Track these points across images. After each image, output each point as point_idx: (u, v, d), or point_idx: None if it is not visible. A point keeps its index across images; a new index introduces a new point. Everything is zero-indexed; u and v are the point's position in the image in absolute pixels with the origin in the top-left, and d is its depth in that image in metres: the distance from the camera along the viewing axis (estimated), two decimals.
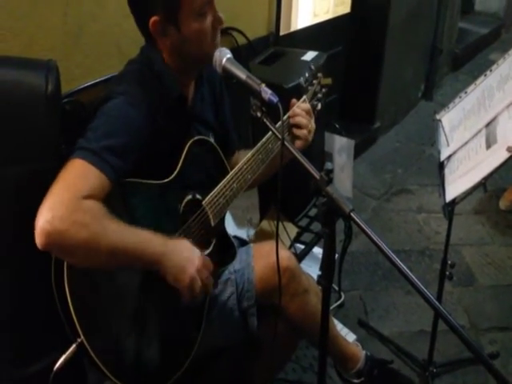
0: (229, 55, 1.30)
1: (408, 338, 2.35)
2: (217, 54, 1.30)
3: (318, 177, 1.11)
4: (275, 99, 1.20)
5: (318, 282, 1.22)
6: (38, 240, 1.04)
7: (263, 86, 1.22)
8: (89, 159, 1.12)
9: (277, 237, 1.25)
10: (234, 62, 1.29)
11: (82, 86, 1.58)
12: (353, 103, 3.29)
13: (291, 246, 1.98)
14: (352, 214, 1.06)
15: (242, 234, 1.91)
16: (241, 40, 2.13)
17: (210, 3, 1.29)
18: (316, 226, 2.17)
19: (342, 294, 2.48)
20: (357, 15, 3.06)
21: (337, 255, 2.33)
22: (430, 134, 3.91)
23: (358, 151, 3.34)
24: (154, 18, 1.27)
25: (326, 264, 1.18)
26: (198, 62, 1.36)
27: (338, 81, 2.96)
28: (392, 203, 3.23)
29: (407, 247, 2.86)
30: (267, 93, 1.21)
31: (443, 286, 2.06)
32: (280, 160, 1.18)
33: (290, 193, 1.69)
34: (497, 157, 1.49)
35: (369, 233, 1.07)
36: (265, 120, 1.22)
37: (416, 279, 1.08)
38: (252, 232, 1.94)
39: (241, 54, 2.02)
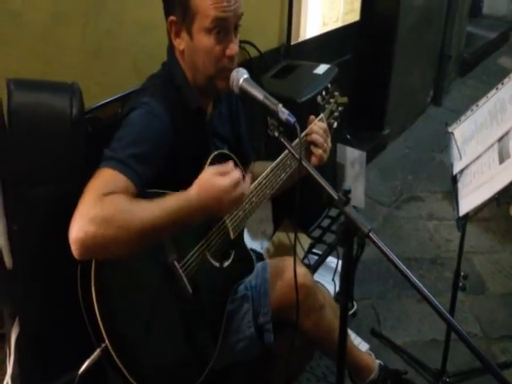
0: (246, 75, 1.32)
1: (420, 347, 2.36)
2: (234, 74, 1.33)
3: (336, 197, 1.13)
4: (292, 120, 1.22)
5: (336, 299, 1.24)
6: (75, 249, 1.06)
7: (280, 106, 1.24)
8: (116, 167, 1.16)
9: (294, 254, 1.27)
10: (251, 82, 1.32)
11: (101, 103, 1.61)
12: (362, 110, 3.29)
13: (305, 257, 1.99)
14: (371, 234, 1.08)
15: (257, 245, 1.93)
16: (252, 52, 2.15)
17: (225, 27, 1.32)
18: (329, 237, 2.18)
19: (355, 303, 2.49)
20: (366, 23, 3.07)
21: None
22: (440, 139, 3.92)
23: (368, 158, 3.33)
24: (171, 18, 1.34)
25: (344, 282, 1.19)
26: (208, 81, 1.39)
27: (347, 88, 2.97)
28: (402, 210, 3.23)
29: (418, 255, 2.86)
30: (284, 113, 1.23)
31: (456, 297, 2.07)
32: (298, 179, 1.20)
33: (303, 204, 1.71)
34: (510, 172, 1.50)
35: (386, 252, 1.08)
36: (282, 140, 1.24)
37: (428, 293, 1.09)
38: (266, 244, 1.96)
39: (253, 67, 2.04)
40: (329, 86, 1.68)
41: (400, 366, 2.17)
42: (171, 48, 1.41)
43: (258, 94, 1.28)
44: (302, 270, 1.49)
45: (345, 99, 1.71)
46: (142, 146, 1.22)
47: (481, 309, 2.54)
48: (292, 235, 2.01)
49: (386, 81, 3.25)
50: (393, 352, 2.30)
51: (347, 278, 1.18)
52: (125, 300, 1.21)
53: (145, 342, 1.24)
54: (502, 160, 1.56)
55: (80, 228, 1.05)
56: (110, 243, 1.08)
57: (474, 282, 2.71)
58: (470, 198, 1.60)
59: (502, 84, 1.74)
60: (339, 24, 2.92)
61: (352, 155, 1.99)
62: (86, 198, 1.10)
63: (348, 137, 2.12)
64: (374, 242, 1.08)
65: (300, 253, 2.00)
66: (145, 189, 1.22)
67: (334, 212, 2.29)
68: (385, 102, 3.32)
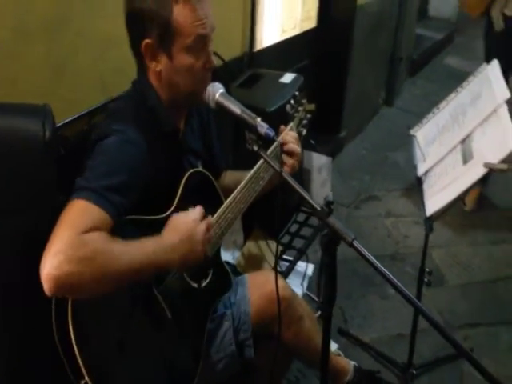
0: (222, 90, 1.32)
1: (387, 343, 2.43)
2: (209, 88, 1.33)
3: (318, 208, 1.15)
4: (271, 133, 1.23)
5: (319, 308, 1.27)
6: (48, 286, 1.03)
7: (258, 120, 1.25)
8: (90, 199, 1.12)
9: (276, 269, 1.28)
10: (227, 96, 1.32)
11: (66, 121, 1.56)
12: (320, 114, 3.34)
13: (276, 263, 2.01)
14: (354, 243, 1.11)
15: (228, 256, 1.93)
16: (217, 62, 2.15)
17: (204, 43, 1.31)
18: (297, 242, 2.21)
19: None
20: (322, 29, 3.13)
21: (313, 266, 2.39)
22: (393, 139, 4.05)
23: None
24: (146, 41, 1.29)
25: (328, 292, 1.22)
26: (187, 98, 1.38)
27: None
28: (361, 210, 3.32)
29: (379, 253, 2.94)
30: (263, 127, 1.24)
31: (421, 292, 2.15)
32: (278, 193, 1.22)
33: (270, 211, 1.73)
34: (474, 172, 1.58)
35: (371, 260, 1.12)
36: (262, 154, 1.25)
37: (410, 295, 1.13)
38: (237, 254, 1.97)
39: (218, 77, 2.04)
40: (296, 93, 1.70)
41: (368, 362, 2.24)
42: (142, 71, 1.37)
43: (235, 108, 1.28)
44: (281, 283, 1.48)
45: (312, 106, 1.74)
46: (117, 176, 1.18)
47: (441, 301, 2.64)
48: (262, 244, 2.02)
49: (342, 85, 3.33)
50: (361, 349, 2.36)
51: (332, 286, 1.21)
52: (103, 332, 1.19)
53: (126, 374, 1.22)
54: (465, 161, 1.64)
55: (56, 265, 1.02)
56: (86, 283, 1.06)
57: (434, 275, 2.77)
58: (436, 199, 1.67)
59: (462, 87, 1.82)
60: (297, 31, 2.97)
61: (318, 161, 2.03)
62: (62, 233, 1.06)
63: (312, 142, 2.15)
64: (357, 251, 1.12)
65: (271, 260, 2.02)
66: (122, 217, 1.20)
67: (301, 217, 2.33)
68: (341, 105, 3.40)
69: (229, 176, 1.70)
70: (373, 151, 3.89)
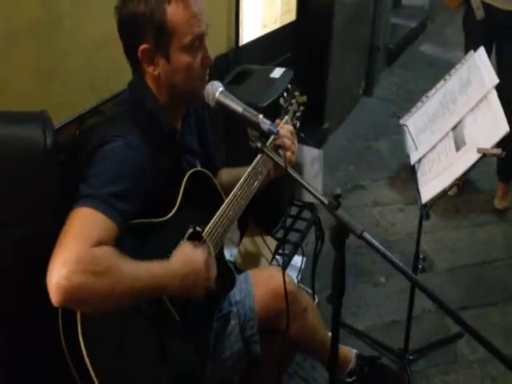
0: (221, 88, 1.32)
1: (381, 330, 2.47)
2: (208, 87, 1.32)
3: (326, 202, 1.16)
4: (275, 129, 1.24)
5: (328, 301, 1.28)
6: (56, 297, 1.02)
7: (261, 117, 1.25)
8: (96, 207, 1.10)
9: (284, 265, 1.29)
10: (228, 94, 1.32)
11: (58, 126, 1.53)
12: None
13: (273, 259, 2.02)
14: (364, 235, 1.13)
15: (226, 254, 1.93)
16: None
17: (200, 40, 1.30)
18: (292, 236, 2.22)
19: (316, 296, 2.56)
20: (302, 22, 3.14)
21: (305, 259, 2.41)
22: (375, 129, 4.10)
23: None
24: (143, 46, 1.28)
25: (336, 283, 1.24)
26: (186, 97, 1.37)
27: None
28: (348, 200, 3.34)
29: None
30: (266, 124, 1.24)
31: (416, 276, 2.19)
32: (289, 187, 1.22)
33: (264, 205, 1.74)
34: (467, 158, 1.61)
35: (382, 250, 1.13)
36: (266, 151, 1.25)
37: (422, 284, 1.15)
38: (235, 251, 1.97)
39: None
40: (289, 86, 1.70)
41: (364, 350, 2.26)
42: (139, 75, 1.35)
43: (237, 106, 1.28)
44: (286, 278, 1.51)
45: (304, 98, 1.75)
46: (122, 182, 1.17)
47: (431, 285, 2.67)
48: (258, 240, 2.03)
49: (323, 77, 3.34)
50: (356, 338, 2.39)
51: (340, 278, 1.22)
52: (111, 336, 1.18)
53: (135, 377, 1.21)
54: (458, 147, 1.67)
55: (65, 276, 1.01)
56: (94, 297, 1.05)
57: (423, 261, 2.87)
58: (431, 186, 1.70)
59: (449, 75, 1.85)
60: (278, 25, 2.97)
61: (310, 154, 2.04)
62: (71, 243, 1.04)
63: (302, 135, 2.16)
64: (367, 243, 1.13)
65: (268, 255, 2.03)
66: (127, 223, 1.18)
67: (294, 211, 2.34)
68: (323, 97, 3.41)
69: (224, 173, 1.70)
70: (355, 141, 3.92)
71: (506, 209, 3.26)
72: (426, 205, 1.71)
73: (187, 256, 1.24)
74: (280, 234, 2.21)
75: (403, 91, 4.64)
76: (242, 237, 2.02)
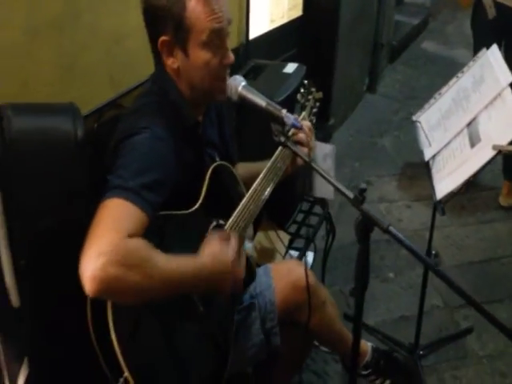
0: (243, 83, 1.32)
1: (391, 325, 2.48)
2: (231, 81, 1.32)
3: (351, 196, 1.17)
4: (299, 124, 1.24)
5: (351, 294, 1.29)
6: (91, 287, 1.02)
7: (284, 111, 1.26)
8: (128, 198, 1.11)
9: (302, 258, 1.29)
10: (250, 88, 1.32)
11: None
12: None
13: (286, 253, 2.03)
14: (390, 229, 1.13)
15: None
16: None
17: (220, 38, 1.30)
18: (303, 231, 2.23)
19: None
20: (308, 17, 3.14)
21: (313, 253, 2.42)
22: (378, 125, 4.11)
23: None
24: (163, 38, 1.29)
25: (360, 276, 1.25)
26: (205, 95, 1.37)
27: None
28: None
29: (376, 237, 2.91)
30: (290, 118, 1.24)
31: (428, 274, 2.20)
32: (309, 183, 1.23)
33: (278, 201, 1.74)
34: (483, 155, 1.62)
35: (407, 244, 1.14)
36: (289, 145, 1.26)
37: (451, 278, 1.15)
38: (249, 245, 1.97)
39: None
40: (305, 82, 1.71)
41: (375, 345, 2.28)
42: (160, 66, 1.35)
43: (260, 100, 1.28)
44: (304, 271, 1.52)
45: (320, 94, 1.75)
46: (151, 173, 1.18)
47: (439, 282, 2.67)
48: (272, 234, 2.04)
49: (329, 73, 3.34)
50: (367, 333, 2.41)
51: (364, 271, 1.23)
52: (139, 326, 1.19)
53: (163, 367, 1.22)
54: (472, 144, 1.68)
55: (100, 267, 1.01)
56: (129, 289, 1.06)
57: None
58: (446, 182, 1.71)
59: (462, 72, 1.86)
60: (285, 20, 2.97)
61: (322, 149, 2.04)
62: (105, 234, 1.05)
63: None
64: (393, 237, 1.14)
65: (282, 250, 2.03)
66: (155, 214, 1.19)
67: (306, 206, 2.35)
68: (329, 93, 3.41)
69: (241, 168, 1.71)
70: (360, 138, 3.93)
71: (511, 206, 3.28)
72: (440, 201, 1.72)
73: (216, 251, 1.24)
74: (292, 229, 2.22)
75: (406, 88, 4.65)
76: (255, 231, 2.03)
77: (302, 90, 1.65)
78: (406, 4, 5.61)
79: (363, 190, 1.16)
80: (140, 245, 1.08)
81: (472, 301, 1.12)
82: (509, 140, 1.58)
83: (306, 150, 1.54)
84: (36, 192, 1.07)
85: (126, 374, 1.11)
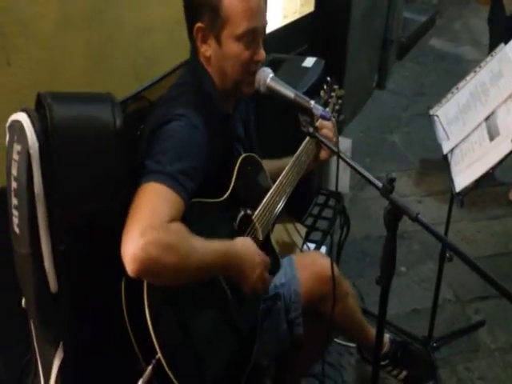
0: (272, 74, 1.34)
1: (404, 318, 2.51)
2: (260, 73, 1.35)
3: (380, 186, 1.19)
4: (328, 115, 1.27)
5: (377, 282, 1.31)
6: (132, 267, 1.05)
7: (312, 102, 1.28)
8: (166, 183, 1.14)
9: (330, 251, 1.32)
10: (279, 80, 1.34)
11: None
12: None
13: (303, 245, 2.05)
14: (418, 217, 1.16)
15: None
16: None
17: (254, 36, 1.33)
18: (321, 224, 2.26)
19: None
20: (320, 13, 3.16)
21: (325, 247, 2.44)
22: (388, 122, 4.13)
23: None
24: (198, 24, 1.32)
25: (386, 265, 1.27)
26: (234, 86, 1.40)
27: None
28: (366, 191, 3.38)
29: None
30: (319, 109, 1.27)
31: (443, 267, 2.23)
32: (336, 177, 1.26)
33: (294, 194, 1.77)
34: (502, 148, 1.64)
35: (435, 232, 1.17)
36: (318, 135, 1.28)
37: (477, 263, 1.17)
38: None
39: None
40: (328, 79, 1.73)
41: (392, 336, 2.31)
42: (195, 54, 1.39)
43: (289, 92, 1.31)
44: (328, 263, 1.53)
45: (342, 92, 1.78)
46: (187, 160, 1.21)
47: (451, 276, 2.71)
48: (290, 227, 2.06)
49: (341, 69, 3.36)
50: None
51: (391, 259, 1.25)
52: (172, 309, 1.22)
53: (193, 350, 1.25)
54: (491, 137, 1.70)
55: (142, 247, 1.04)
56: (168, 270, 1.09)
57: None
58: (466, 174, 1.73)
59: (480, 67, 1.88)
60: (297, 16, 2.99)
61: (341, 144, 2.06)
62: (146, 216, 1.08)
63: None
64: (422, 225, 1.16)
65: (299, 242, 2.06)
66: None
67: (321, 199, 2.37)
68: (341, 88, 3.43)
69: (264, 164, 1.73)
70: (370, 134, 3.95)
71: None
72: (459, 193, 1.74)
73: (250, 246, 1.29)
74: (307, 222, 2.24)
75: (415, 85, 4.67)
76: (274, 224, 2.05)
77: (324, 87, 1.67)
78: (413, 1, 5.64)
79: (392, 180, 1.18)
80: (179, 228, 1.12)
81: (498, 285, 1.13)
82: None
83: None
84: (77, 179, 1.09)
85: (159, 354, 1.13)
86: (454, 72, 4.59)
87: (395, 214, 1.19)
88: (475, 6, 6.32)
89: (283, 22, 2.89)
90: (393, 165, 3.63)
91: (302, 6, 3.05)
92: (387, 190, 1.17)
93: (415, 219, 1.16)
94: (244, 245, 1.27)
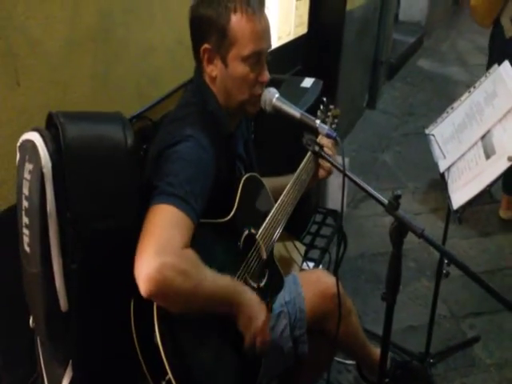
0: (277, 94, 1.37)
1: (400, 335, 2.51)
2: (265, 93, 1.38)
3: (385, 203, 1.22)
4: (333, 134, 1.30)
5: (383, 298, 1.33)
6: (145, 287, 1.06)
7: (318, 121, 1.31)
8: (179, 206, 1.15)
9: (336, 273, 1.33)
10: (284, 100, 1.37)
11: None
12: None
13: (302, 263, 2.07)
14: (424, 234, 1.18)
15: None
16: None
17: (259, 57, 1.37)
18: (319, 242, 2.28)
19: None
20: (314, 35, 3.22)
21: (321, 267, 2.46)
22: (379, 141, 4.20)
23: None
24: (205, 46, 1.35)
25: (392, 281, 1.29)
26: (239, 107, 1.42)
27: None
28: (359, 210, 3.42)
29: (382, 250, 3.04)
30: (324, 129, 1.30)
31: (440, 282, 2.26)
32: (342, 194, 1.28)
33: (293, 212, 1.79)
34: (498, 166, 1.69)
35: (440, 248, 1.19)
36: (324, 154, 1.31)
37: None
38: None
39: None
40: (324, 99, 1.76)
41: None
42: (200, 74, 1.41)
43: (294, 111, 1.34)
44: (332, 280, 1.55)
45: (338, 111, 1.81)
46: (197, 182, 1.22)
47: (445, 292, 2.74)
48: (289, 245, 2.07)
49: (333, 89, 3.42)
50: (377, 342, 2.44)
51: (396, 275, 1.27)
52: (183, 332, 1.22)
53: (201, 372, 1.24)
54: (488, 156, 1.75)
55: (157, 269, 1.05)
56: (180, 296, 1.10)
57: (435, 268, 2.94)
58: (463, 192, 1.77)
59: (474, 88, 1.93)
60: (291, 37, 3.04)
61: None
62: (161, 238, 1.09)
63: None
64: (427, 241, 1.19)
65: (299, 260, 2.07)
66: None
67: (318, 218, 2.39)
68: None
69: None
70: (361, 153, 4.01)
71: (511, 219, 3.36)
72: (457, 211, 1.78)
73: (257, 298, 1.30)
74: (306, 240, 2.26)
75: (404, 104, 4.77)
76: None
77: (321, 107, 1.70)
78: (401, 23, 5.76)
79: (398, 197, 1.21)
80: (193, 256, 1.13)
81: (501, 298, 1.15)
82: None
83: (328, 164, 1.60)
84: (89, 198, 1.09)
85: (170, 375, 1.13)
86: (442, 92, 4.70)
87: (401, 230, 1.21)
88: (462, 27, 6.51)
89: (278, 43, 2.93)
90: (384, 183, 3.68)
91: (296, 28, 3.11)
92: (393, 206, 1.20)
93: (421, 235, 1.18)
94: (253, 293, 1.29)
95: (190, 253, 1.13)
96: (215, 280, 1.17)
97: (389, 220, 3.54)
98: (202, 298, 1.14)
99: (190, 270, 1.10)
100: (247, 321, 1.28)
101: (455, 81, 5.12)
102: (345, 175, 1.28)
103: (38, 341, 1.29)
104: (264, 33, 1.35)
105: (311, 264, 2.14)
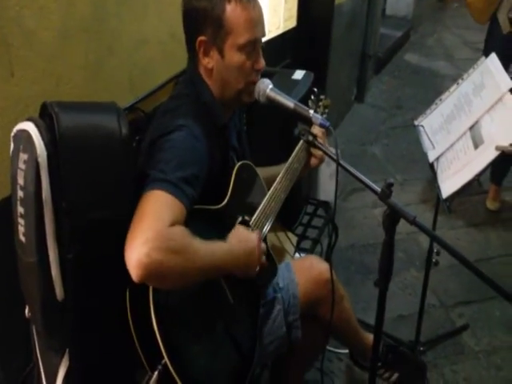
0: (271, 85, 1.39)
1: (390, 324, 2.55)
2: (259, 84, 1.39)
3: (379, 191, 1.24)
4: (326, 123, 1.31)
5: (375, 284, 1.35)
6: (136, 273, 1.07)
7: (312, 111, 1.33)
8: (169, 190, 1.16)
9: (330, 259, 1.35)
10: (278, 91, 1.38)
11: None
12: None
13: (295, 253, 2.09)
14: (416, 221, 1.21)
15: None
16: None
17: (255, 45, 1.38)
18: (310, 232, 2.30)
19: None
20: (302, 29, 3.23)
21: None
22: (367, 134, 4.23)
23: None
24: (201, 38, 1.36)
25: (384, 268, 1.31)
26: (235, 96, 1.43)
27: None
28: (349, 202, 3.45)
29: (372, 241, 3.08)
30: (318, 119, 1.32)
31: (429, 273, 2.29)
32: (336, 182, 1.30)
33: (284, 203, 1.81)
34: (486, 155, 1.72)
35: (432, 234, 1.22)
36: (317, 144, 1.32)
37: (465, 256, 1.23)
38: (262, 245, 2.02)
39: None
40: (315, 90, 1.78)
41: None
42: (194, 66, 1.42)
43: (288, 102, 1.35)
44: (325, 266, 1.59)
45: (328, 101, 1.83)
46: (189, 168, 1.23)
47: (434, 281, 2.78)
48: (281, 235, 2.09)
49: (322, 83, 3.43)
50: (368, 331, 2.47)
51: (388, 262, 1.30)
52: (177, 313, 1.23)
53: (197, 355, 1.26)
54: (476, 146, 1.78)
55: (146, 253, 1.06)
56: (173, 274, 1.11)
57: (424, 258, 2.98)
58: (452, 181, 1.80)
59: (462, 79, 1.96)
60: (280, 31, 3.05)
61: None
62: (149, 223, 1.10)
63: None
64: (419, 228, 1.21)
65: (291, 250, 2.09)
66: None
67: (310, 209, 2.42)
68: None
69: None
70: (350, 146, 4.04)
71: (498, 209, 3.41)
72: (446, 200, 1.80)
73: (242, 236, 1.32)
74: (298, 231, 2.28)
75: (392, 98, 4.80)
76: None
77: (312, 97, 1.72)
78: (388, 17, 5.80)
79: (390, 185, 1.23)
80: (181, 232, 1.14)
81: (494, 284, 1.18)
82: (511, 141, 1.68)
83: (320, 153, 1.62)
84: (84, 187, 1.09)
85: (166, 359, 1.14)
86: (428, 85, 4.74)
87: (393, 217, 1.23)
88: (448, 22, 6.57)
89: (267, 36, 2.94)
90: (373, 175, 3.66)
91: (285, 21, 3.11)
92: (386, 194, 1.22)
93: (413, 222, 1.21)
94: (236, 237, 1.31)
95: (178, 229, 1.13)
96: (206, 249, 1.18)
97: (378, 212, 3.61)
98: (196, 268, 1.15)
99: (178, 245, 1.11)
100: (243, 270, 1.32)
101: (442, 75, 5.16)
102: (338, 164, 1.30)
103: (34, 330, 1.29)
104: (259, 20, 1.37)
105: (303, 254, 2.16)
